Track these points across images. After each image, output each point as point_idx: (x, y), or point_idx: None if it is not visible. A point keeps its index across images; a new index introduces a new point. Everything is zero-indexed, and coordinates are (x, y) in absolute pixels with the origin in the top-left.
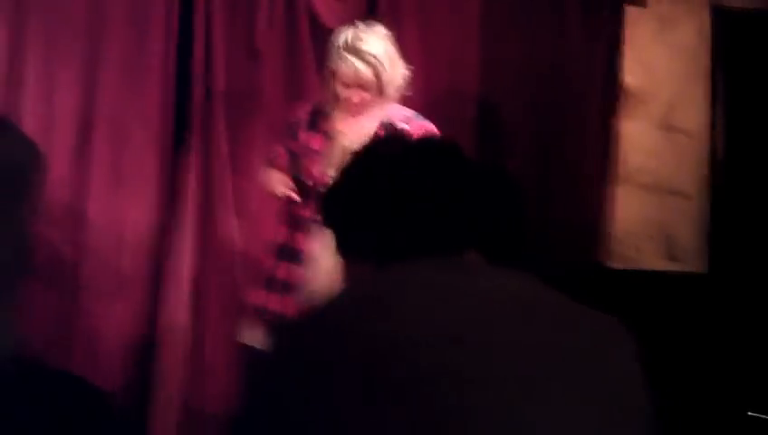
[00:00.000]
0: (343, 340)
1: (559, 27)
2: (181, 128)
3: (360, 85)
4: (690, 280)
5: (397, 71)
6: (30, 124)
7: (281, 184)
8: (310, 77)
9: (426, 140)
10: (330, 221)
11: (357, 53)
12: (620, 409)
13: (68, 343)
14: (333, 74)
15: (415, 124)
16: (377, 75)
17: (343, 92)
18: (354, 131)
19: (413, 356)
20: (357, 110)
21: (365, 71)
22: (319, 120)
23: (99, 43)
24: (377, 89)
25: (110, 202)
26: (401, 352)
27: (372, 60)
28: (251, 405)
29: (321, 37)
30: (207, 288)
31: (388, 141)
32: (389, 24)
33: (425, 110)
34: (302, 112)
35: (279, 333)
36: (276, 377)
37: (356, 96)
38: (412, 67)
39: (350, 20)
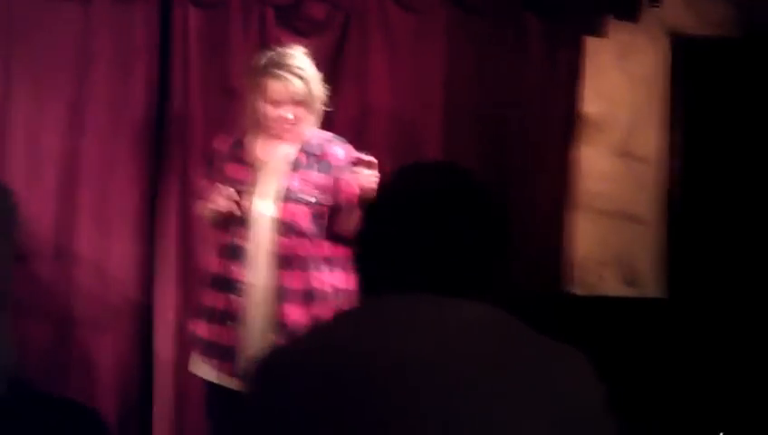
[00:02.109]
0: (308, 373)
1: (521, 58)
2: (161, 166)
3: (295, 101)
4: (649, 305)
5: (321, 89)
6: (17, 166)
7: (221, 199)
8: None
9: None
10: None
11: (288, 68)
12: None
13: (63, 373)
14: (261, 95)
15: (333, 146)
16: (308, 89)
17: (274, 112)
18: (275, 158)
19: (376, 393)
20: (290, 130)
21: (298, 85)
22: (240, 151)
23: (83, 87)
24: (309, 104)
25: (96, 238)
26: (363, 386)
27: (303, 74)
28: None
29: None
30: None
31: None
32: (359, 56)
33: (390, 137)
34: (223, 145)
35: (252, 368)
36: (245, 411)
37: (290, 112)
38: (329, 87)
39: (319, 56)
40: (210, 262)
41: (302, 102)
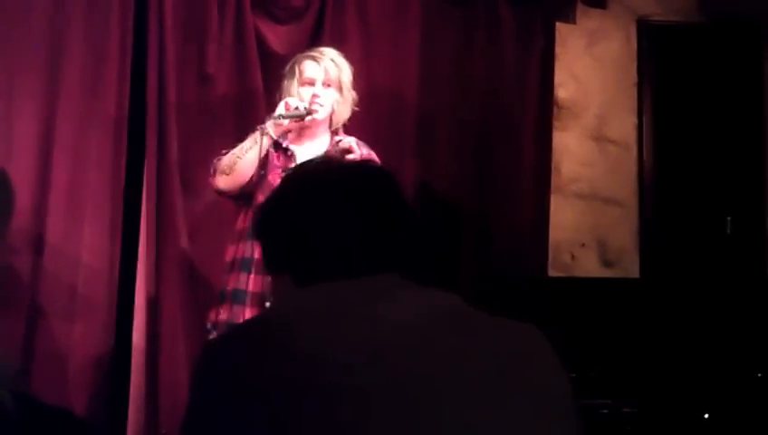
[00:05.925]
0: (255, 359)
1: (495, 45)
2: (135, 154)
3: (327, 83)
4: (623, 285)
5: (350, 91)
6: None
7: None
8: (258, 99)
9: (353, 166)
10: (260, 237)
11: (325, 54)
12: (542, 413)
13: (29, 365)
14: (297, 78)
15: (357, 147)
16: (339, 75)
17: (308, 93)
18: (308, 150)
19: (320, 378)
20: (319, 110)
21: (331, 66)
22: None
23: (57, 73)
24: (339, 88)
25: (68, 227)
26: (310, 372)
27: (337, 60)
28: (187, 421)
29: (269, 61)
30: (164, 307)
31: (321, 164)
32: (336, 43)
33: (367, 125)
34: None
35: (202, 352)
36: (198, 394)
37: (322, 92)
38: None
39: (296, 43)
40: (230, 245)
41: (333, 85)
